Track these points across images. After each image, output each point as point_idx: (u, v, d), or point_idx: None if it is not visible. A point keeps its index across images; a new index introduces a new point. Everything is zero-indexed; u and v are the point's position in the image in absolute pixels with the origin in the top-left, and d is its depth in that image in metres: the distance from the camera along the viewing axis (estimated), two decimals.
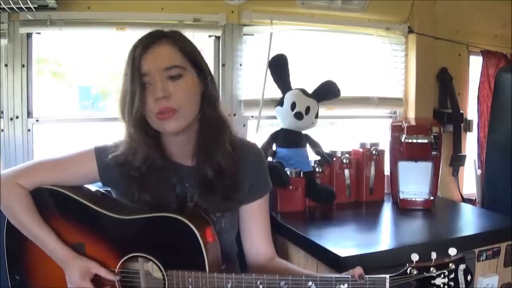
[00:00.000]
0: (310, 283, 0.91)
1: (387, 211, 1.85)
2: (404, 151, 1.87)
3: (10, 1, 1.52)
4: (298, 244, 1.49)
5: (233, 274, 0.96)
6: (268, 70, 1.83)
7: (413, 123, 1.97)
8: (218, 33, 1.87)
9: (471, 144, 2.38)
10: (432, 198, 1.84)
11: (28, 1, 1.53)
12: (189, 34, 1.12)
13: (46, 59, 1.82)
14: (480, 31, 2.32)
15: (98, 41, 1.82)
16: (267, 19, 1.90)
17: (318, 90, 1.86)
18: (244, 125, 1.96)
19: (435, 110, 2.26)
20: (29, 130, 1.72)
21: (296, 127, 1.82)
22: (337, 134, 2.24)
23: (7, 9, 1.57)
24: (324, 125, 2.18)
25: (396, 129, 1.91)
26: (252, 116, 1.96)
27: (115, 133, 1.12)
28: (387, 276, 0.87)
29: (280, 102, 1.82)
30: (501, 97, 1.99)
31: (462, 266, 0.85)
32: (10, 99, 1.69)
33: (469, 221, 1.84)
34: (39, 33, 1.71)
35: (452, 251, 0.85)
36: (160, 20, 1.77)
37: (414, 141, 1.85)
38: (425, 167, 1.88)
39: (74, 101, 1.88)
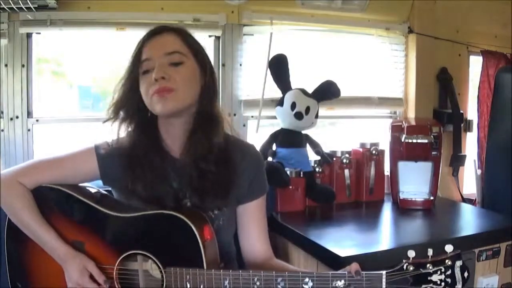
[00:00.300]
0: (306, 279, 0.91)
1: (387, 211, 1.86)
2: (404, 151, 1.88)
3: (10, 1, 1.52)
4: (298, 244, 1.49)
5: (231, 271, 0.96)
6: (268, 70, 1.83)
7: (413, 123, 1.98)
8: (218, 33, 1.87)
9: (471, 144, 2.38)
10: (432, 198, 1.84)
11: (28, 1, 1.53)
12: None
13: (46, 59, 1.82)
14: (480, 31, 2.32)
15: (98, 41, 1.82)
16: (267, 19, 1.90)
17: (318, 90, 1.86)
18: (244, 125, 1.96)
19: (435, 110, 2.26)
20: (29, 130, 1.72)
21: (296, 127, 1.82)
22: (337, 134, 2.24)
23: (7, 9, 1.57)
24: (324, 125, 2.19)
25: (396, 129, 1.91)
26: (252, 116, 1.96)
27: (115, 133, 1.12)
28: (384, 272, 0.87)
29: (280, 102, 1.83)
30: (501, 97, 1.99)
31: (458, 263, 0.85)
32: (10, 99, 1.69)
33: (469, 221, 1.84)
34: (39, 33, 1.71)
35: (449, 248, 0.86)
36: (160, 20, 1.77)
37: (414, 141, 1.85)
38: (425, 167, 1.88)
39: (74, 101, 1.88)
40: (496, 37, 2.37)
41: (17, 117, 1.70)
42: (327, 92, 1.87)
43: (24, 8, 1.57)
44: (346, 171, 1.89)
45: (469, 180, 2.36)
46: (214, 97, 1.11)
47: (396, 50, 2.18)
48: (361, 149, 1.94)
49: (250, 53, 1.95)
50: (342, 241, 1.42)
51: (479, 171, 2.26)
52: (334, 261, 1.29)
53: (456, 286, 0.86)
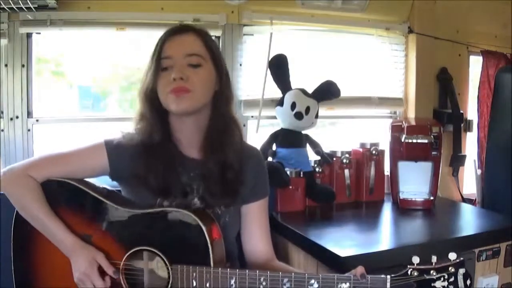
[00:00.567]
0: (312, 281, 0.92)
1: (387, 211, 1.85)
2: (404, 151, 1.87)
3: (10, 1, 1.52)
4: (298, 244, 1.50)
5: (237, 270, 0.97)
6: (268, 70, 1.83)
7: (413, 123, 1.98)
8: (218, 33, 1.87)
9: (471, 144, 2.38)
10: (432, 198, 1.84)
11: (28, 1, 1.53)
12: None
13: (46, 59, 1.82)
14: (480, 31, 2.32)
15: (98, 41, 1.82)
16: (267, 19, 1.90)
17: (318, 90, 1.86)
18: (244, 125, 1.95)
19: (435, 110, 2.26)
20: (29, 130, 1.72)
21: (296, 127, 1.82)
22: (337, 134, 2.24)
23: (7, 9, 1.57)
24: (324, 125, 2.19)
25: (396, 129, 1.91)
26: (252, 116, 1.96)
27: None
28: (388, 276, 0.88)
29: (280, 102, 1.83)
30: (501, 97, 1.99)
31: (461, 270, 0.87)
32: (10, 99, 1.69)
33: (469, 221, 1.84)
34: (39, 33, 1.71)
35: (452, 256, 0.87)
36: (160, 20, 1.78)
37: (414, 141, 1.85)
38: (425, 167, 1.88)
39: (74, 101, 1.88)
40: (496, 37, 2.37)
41: (17, 117, 1.70)
42: (327, 92, 1.87)
43: (24, 8, 1.57)
44: (346, 171, 1.89)
45: (469, 180, 2.36)
46: (229, 100, 1.15)
47: (396, 50, 2.18)
48: (361, 149, 1.94)
49: (250, 53, 1.95)
50: (342, 241, 1.42)
51: (479, 171, 2.26)
52: (334, 261, 1.30)
53: None
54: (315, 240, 1.41)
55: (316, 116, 1.84)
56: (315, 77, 1.92)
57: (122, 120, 1.82)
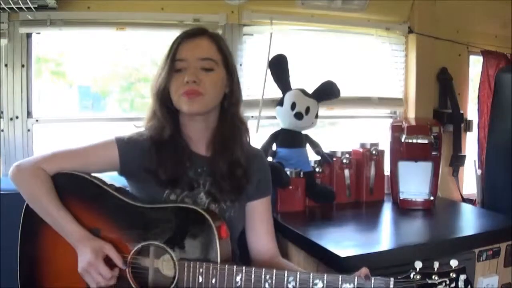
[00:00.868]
0: (317, 280, 0.93)
1: (387, 211, 1.85)
2: (404, 151, 1.87)
3: (10, 1, 1.52)
4: (298, 244, 1.50)
5: (244, 267, 0.98)
6: (268, 70, 1.83)
7: (413, 123, 1.98)
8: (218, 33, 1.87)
9: (471, 144, 2.38)
10: (432, 198, 1.84)
11: (28, 1, 1.53)
12: None
13: (46, 59, 1.82)
14: (480, 31, 2.32)
15: (98, 41, 1.82)
16: (267, 19, 1.90)
17: (318, 90, 1.86)
18: None
19: (435, 110, 2.26)
20: (29, 130, 1.72)
21: (296, 127, 1.82)
22: (337, 134, 2.24)
23: (7, 9, 1.57)
24: (324, 125, 2.19)
25: (396, 129, 1.91)
26: (252, 116, 1.96)
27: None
28: (392, 279, 0.89)
29: (280, 102, 1.82)
30: (501, 97, 1.99)
31: (462, 276, 0.88)
32: (10, 99, 1.69)
33: (469, 221, 1.84)
34: (39, 33, 1.71)
35: (454, 262, 0.88)
36: (160, 20, 1.78)
37: (414, 141, 1.85)
38: (425, 167, 1.88)
39: (74, 101, 1.88)
40: (496, 37, 2.37)
41: (17, 117, 1.70)
42: (327, 92, 1.87)
43: (24, 8, 1.57)
44: (346, 171, 1.89)
45: (469, 180, 2.37)
46: (238, 101, 1.20)
47: (396, 50, 2.18)
48: (361, 149, 1.94)
49: (250, 53, 1.95)
50: (342, 241, 1.42)
51: (479, 171, 2.26)
52: (334, 261, 1.30)
53: None
54: (315, 240, 1.41)
55: (316, 116, 1.84)
56: (315, 77, 1.92)
57: (122, 120, 1.82)
